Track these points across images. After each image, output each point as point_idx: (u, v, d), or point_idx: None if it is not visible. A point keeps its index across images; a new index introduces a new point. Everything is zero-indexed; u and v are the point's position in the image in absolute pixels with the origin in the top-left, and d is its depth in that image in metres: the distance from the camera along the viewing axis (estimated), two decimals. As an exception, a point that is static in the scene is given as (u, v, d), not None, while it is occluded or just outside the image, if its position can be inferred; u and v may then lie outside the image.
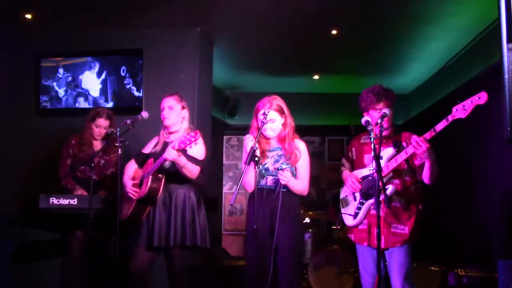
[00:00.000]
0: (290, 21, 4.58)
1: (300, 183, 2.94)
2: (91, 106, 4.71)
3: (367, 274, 2.94)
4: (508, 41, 1.89)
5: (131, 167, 3.36)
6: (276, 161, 2.94)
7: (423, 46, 5.18)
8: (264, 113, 2.87)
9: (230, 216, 7.50)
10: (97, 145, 3.87)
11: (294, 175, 2.95)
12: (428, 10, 4.23)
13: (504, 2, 1.92)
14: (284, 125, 2.98)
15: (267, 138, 3.00)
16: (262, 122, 2.85)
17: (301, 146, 3.00)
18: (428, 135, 2.63)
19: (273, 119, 2.93)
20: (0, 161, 4.64)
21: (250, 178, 2.84)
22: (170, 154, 2.96)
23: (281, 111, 2.96)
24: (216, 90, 6.44)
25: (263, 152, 2.94)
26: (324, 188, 7.27)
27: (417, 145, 2.63)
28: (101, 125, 3.84)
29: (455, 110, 2.54)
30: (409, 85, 6.62)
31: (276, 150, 2.98)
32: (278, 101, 2.98)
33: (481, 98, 2.48)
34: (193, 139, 2.87)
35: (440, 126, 2.59)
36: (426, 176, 2.81)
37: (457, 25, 4.53)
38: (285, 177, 2.83)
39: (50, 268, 3.74)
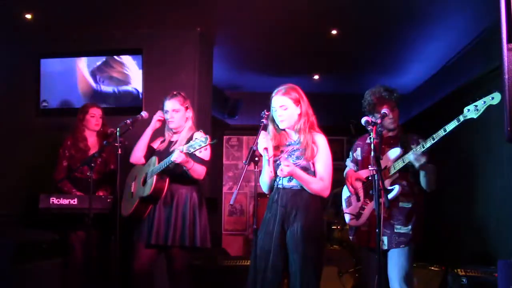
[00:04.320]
0: (290, 21, 4.58)
1: (315, 181, 2.65)
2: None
3: (373, 276, 2.85)
4: (508, 41, 1.89)
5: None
6: (290, 156, 2.71)
7: (423, 46, 5.17)
8: (264, 113, 2.70)
9: (230, 216, 7.50)
10: (91, 141, 3.87)
11: (312, 172, 2.68)
12: (428, 10, 4.22)
13: (504, 2, 1.92)
14: (299, 115, 2.72)
15: (283, 130, 2.77)
16: (262, 122, 2.67)
17: (319, 140, 2.71)
18: (429, 142, 2.65)
19: (285, 105, 2.69)
20: (0, 161, 4.64)
21: (262, 179, 2.74)
22: (179, 158, 2.94)
23: (295, 99, 2.72)
24: (216, 90, 6.43)
25: (277, 147, 2.74)
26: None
27: (416, 160, 2.70)
28: (96, 114, 3.86)
29: (466, 110, 2.51)
30: (409, 85, 6.61)
31: (293, 144, 2.75)
32: (294, 89, 2.75)
33: (494, 98, 2.45)
34: (203, 144, 2.83)
35: (450, 126, 2.57)
36: (422, 182, 2.84)
37: (457, 25, 4.53)
38: (286, 167, 2.55)
39: (50, 268, 3.74)
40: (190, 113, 3.31)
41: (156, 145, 3.39)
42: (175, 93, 3.30)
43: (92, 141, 3.88)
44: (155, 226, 3.11)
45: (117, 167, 3.24)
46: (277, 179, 2.72)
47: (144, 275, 3.17)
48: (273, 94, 2.75)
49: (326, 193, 2.68)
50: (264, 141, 2.62)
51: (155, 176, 3.10)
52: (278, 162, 2.69)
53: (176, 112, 3.23)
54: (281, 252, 2.63)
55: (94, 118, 3.85)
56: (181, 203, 3.16)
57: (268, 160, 2.67)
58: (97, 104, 4.02)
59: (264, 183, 2.77)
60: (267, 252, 2.61)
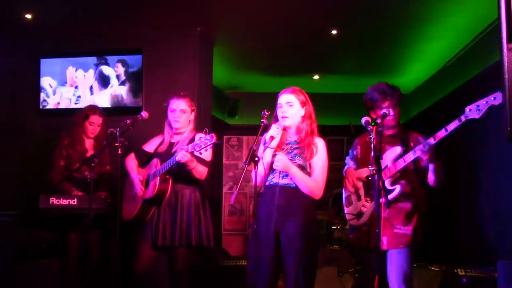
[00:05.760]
0: (290, 21, 4.58)
1: (310, 181, 2.68)
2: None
3: (372, 276, 2.87)
4: (508, 41, 1.89)
5: (132, 162, 3.33)
6: (289, 153, 2.72)
7: (423, 46, 5.18)
8: (264, 113, 2.69)
9: (230, 216, 7.50)
10: (88, 143, 3.87)
11: (307, 172, 2.71)
12: (428, 10, 4.22)
13: (504, 2, 1.92)
14: (303, 117, 2.77)
15: (284, 129, 2.78)
16: (262, 122, 2.67)
17: (319, 143, 2.75)
18: (439, 136, 2.60)
19: (291, 102, 2.73)
20: (0, 161, 4.64)
21: (259, 168, 2.62)
22: (184, 157, 2.94)
23: (302, 101, 2.76)
24: (216, 90, 6.44)
25: (278, 145, 2.74)
26: (324, 188, 7.24)
27: (421, 152, 2.65)
28: (95, 123, 3.83)
29: (468, 110, 2.50)
30: (409, 85, 6.62)
31: (291, 143, 2.78)
32: (302, 92, 2.80)
33: (496, 98, 2.42)
34: (209, 142, 2.84)
35: (452, 126, 2.55)
36: (431, 179, 2.78)
37: (457, 25, 4.53)
38: (279, 160, 2.59)
39: (50, 268, 3.74)
40: (193, 116, 3.33)
41: (150, 148, 3.37)
42: (182, 94, 3.31)
43: (88, 143, 3.88)
44: (161, 227, 3.12)
45: (118, 167, 3.23)
46: (271, 177, 2.73)
47: (146, 276, 3.17)
48: (281, 92, 2.80)
49: (318, 194, 2.72)
50: (276, 131, 2.66)
51: (158, 178, 3.10)
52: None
53: (183, 112, 3.25)
54: (276, 252, 2.63)
55: (92, 126, 3.83)
56: (185, 203, 3.16)
57: (265, 148, 2.67)
58: (100, 110, 3.91)
59: (259, 172, 2.66)
60: (262, 253, 2.60)
